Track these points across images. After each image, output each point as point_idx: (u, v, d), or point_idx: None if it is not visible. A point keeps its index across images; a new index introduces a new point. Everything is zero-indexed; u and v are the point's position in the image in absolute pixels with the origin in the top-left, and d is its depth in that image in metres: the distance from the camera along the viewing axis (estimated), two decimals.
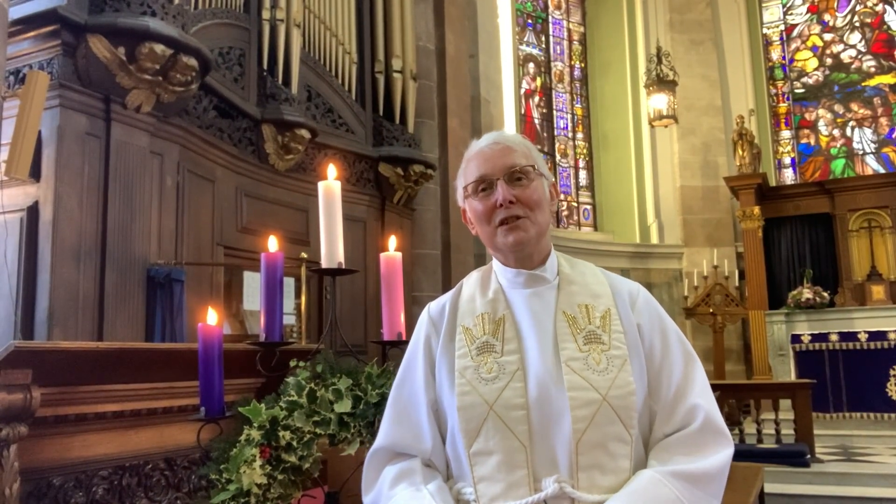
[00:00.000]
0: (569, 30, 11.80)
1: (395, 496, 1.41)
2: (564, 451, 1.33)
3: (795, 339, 8.81)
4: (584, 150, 11.60)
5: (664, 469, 1.33)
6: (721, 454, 1.37)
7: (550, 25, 11.56)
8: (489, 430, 1.35)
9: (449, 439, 1.45)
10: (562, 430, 1.34)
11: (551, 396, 1.36)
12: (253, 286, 4.90)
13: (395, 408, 1.53)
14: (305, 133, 5.50)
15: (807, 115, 11.27)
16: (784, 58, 11.47)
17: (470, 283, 1.57)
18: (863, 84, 10.95)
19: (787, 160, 11.29)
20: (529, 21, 11.31)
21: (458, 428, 1.39)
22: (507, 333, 1.43)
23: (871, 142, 10.88)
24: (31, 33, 3.79)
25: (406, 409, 1.50)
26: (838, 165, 11.04)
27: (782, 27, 11.55)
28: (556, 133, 11.29)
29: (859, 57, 11.02)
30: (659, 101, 9.71)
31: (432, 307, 1.57)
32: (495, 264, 1.55)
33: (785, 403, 6.77)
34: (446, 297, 1.56)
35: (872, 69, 10.91)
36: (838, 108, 11.12)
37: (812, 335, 8.71)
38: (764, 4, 11.64)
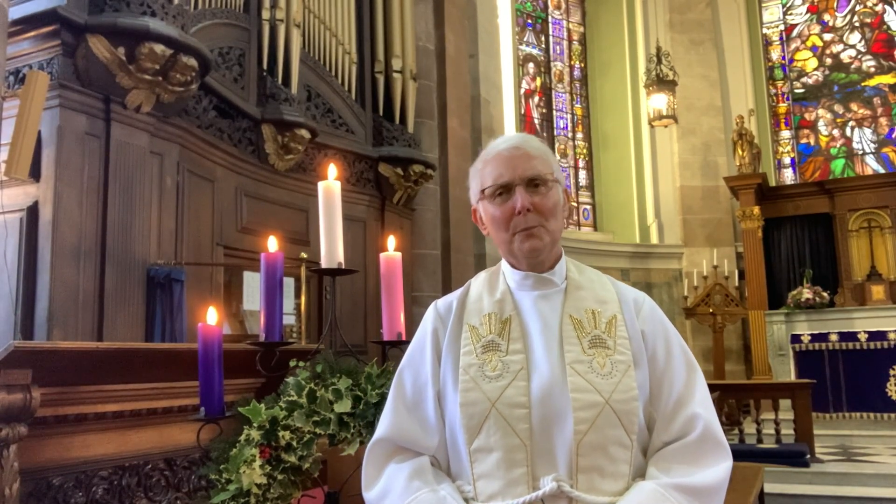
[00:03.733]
0: (568, 30, 11.80)
1: (415, 498, 1.37)
2: (565, 451, 1.34)
3: (795, 339, 8.81)
4: (584, 150, 11.61)
5: (666, 481, 1.33)
6: (720, 466, 1.37)
7: (550, 25, 11.56)
8: (490, 427, 1.35)
9: (448, 437, 1.44)
10: (563, 430, 1.34)
11: (554, 397, 1.36)
12: (253, 286, 4.89)
13: (400, 397, 1.49)
14: (305, 133, 5.50)
15: (807, 115, 11.27)
16: (784, 58, 11.47)
17: (478, 283, 1.57)
18: (862, 84, 10.95)
19: (786, 160, 11.29)
20: (529, 21, 11.31)
21: (459, 424, 1.39)
22: (512, 333, 1.44)
23: (871, 142, 10.88)
24: (31, 33, 3.79)
25: (414, 399, 1.48)
26: (838, 165, 11.04)
27: (782, 27, 11.55)
28: (555, 133, 11.29)
29: (859, 57, 11.02)
30: (659, 101, 9.71)
31: (440, 303, 1.57)
32: (504, 266, 1.55)
33: (785, 403, 6.78)
34: (454, 295, 1.56)
35: (872, 69, 10.91)
36: (838, 108, 11.12)
37: (812, 335, 8.71)
38: (764, 4, 11.64)
